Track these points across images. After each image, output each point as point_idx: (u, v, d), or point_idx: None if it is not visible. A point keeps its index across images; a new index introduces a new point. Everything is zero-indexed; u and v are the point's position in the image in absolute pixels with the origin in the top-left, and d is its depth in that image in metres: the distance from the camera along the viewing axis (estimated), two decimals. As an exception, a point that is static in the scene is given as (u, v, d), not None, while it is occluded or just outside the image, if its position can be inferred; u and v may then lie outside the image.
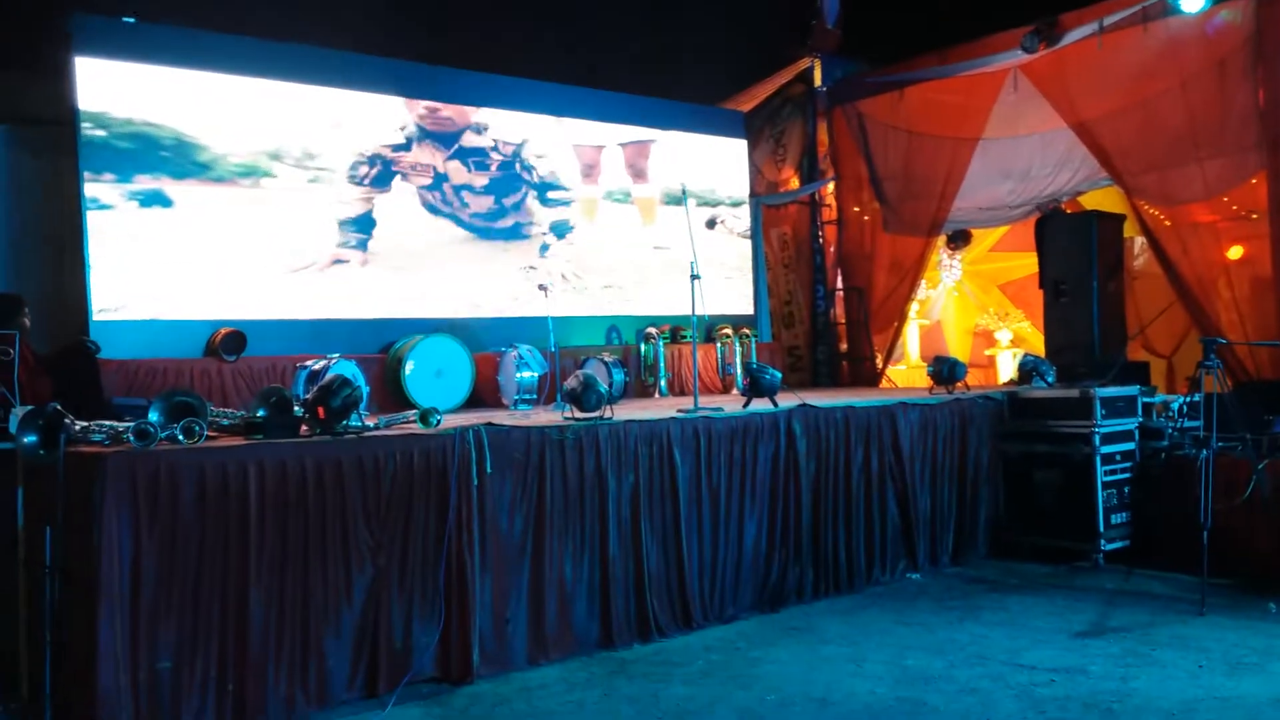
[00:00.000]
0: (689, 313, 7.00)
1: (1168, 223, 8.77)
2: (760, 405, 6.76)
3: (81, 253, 7.30)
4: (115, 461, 4.35)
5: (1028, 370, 8.48)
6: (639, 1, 11.18)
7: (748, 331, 10.21)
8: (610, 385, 7.66)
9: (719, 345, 10.10)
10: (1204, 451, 6.45)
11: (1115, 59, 8.73)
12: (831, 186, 11.73)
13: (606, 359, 8.45)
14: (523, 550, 5.53)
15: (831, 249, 11.80)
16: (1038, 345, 10.04)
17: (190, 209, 7.75)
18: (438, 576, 5.19)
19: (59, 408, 4.52)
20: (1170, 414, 7.82)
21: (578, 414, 5.97)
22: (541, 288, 8.34)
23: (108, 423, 4.85)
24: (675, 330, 9.90)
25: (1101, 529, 7.38)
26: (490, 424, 5.49)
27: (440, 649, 5.20)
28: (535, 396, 7.98)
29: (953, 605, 6.52)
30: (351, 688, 4.94)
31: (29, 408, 4.61)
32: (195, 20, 8.22)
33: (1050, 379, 8.32)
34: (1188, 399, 7.26)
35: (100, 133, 7.43)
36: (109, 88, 7.48)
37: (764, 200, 11.49)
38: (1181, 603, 6.38)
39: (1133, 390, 7.80)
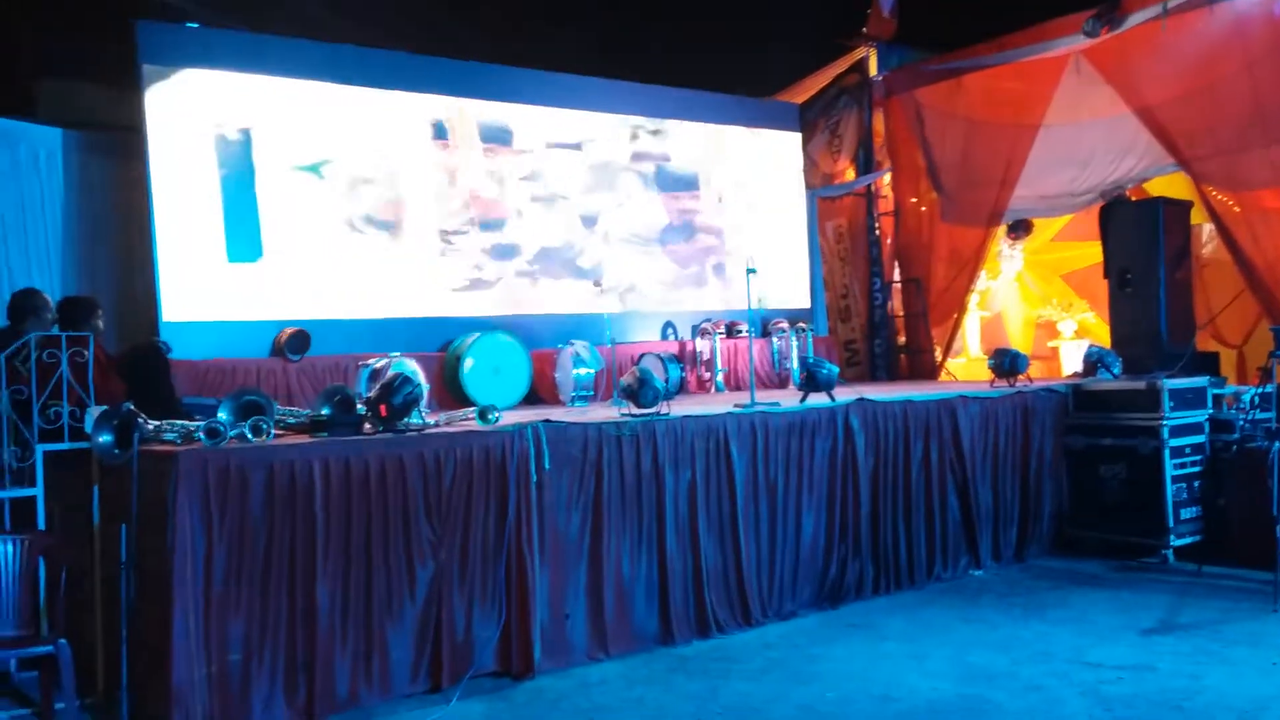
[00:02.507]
0: (744, 307, 6.99)
1: (1236, 209, 8.55)
2: (817, 399, 6.73)
3: (151, 255, 7.48)
4: (187, 460, 4.47)
5: (1093, 362, 8.32)
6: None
7: (804, 325, 10.15)
8: (667, 381, 7.67)
9: (775, 340, 10.06)
10: (1276, 444, 6.28)
11: (1180, 42, 8.52)
12: (888, 177, 11.60)
13: (663, 355, 8.46)
14: (581, 546, 5.57)
15: (888, 241, 11.67)
16: (1102, 336, 9.84)
17: (259, 210, 7.90)
18: (498, 572, 5.25)
19: (133, 408, 4.65)
20: (1241, 405, 7.64)
21: (635, 410, 5.99)
22: (597, 284, 8.38)
23: (179, 422, 4.98)
24: (731, 325, 9.88)
25: (1171, 524, 7.22)
26: (548, 421, 5.54)
27: (501, 643, 5.26)
28: (592, 393, 8.03)
29: (1016, 602, 6.44)
30: (415, 681, 5.02)
31: (104, 408, 4.74)
32: (258, 25, 8.40)
33: (1116, 370, 8.16)
34: (1259, 390, 7.08)
35: (167, 135, 7.60)
36: (176, 92, 7.64)
37: (819, 192, 11.40)
38: (1254, 599, 6.23)
39: (1202, 381, 7.63)
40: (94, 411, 4.78)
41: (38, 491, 4.92)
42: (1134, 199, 9.59)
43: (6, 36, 8.75)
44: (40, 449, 4.92)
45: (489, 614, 5.23)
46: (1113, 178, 9.67)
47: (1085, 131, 9.66)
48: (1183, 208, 8.85)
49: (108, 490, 4.91)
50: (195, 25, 8.13)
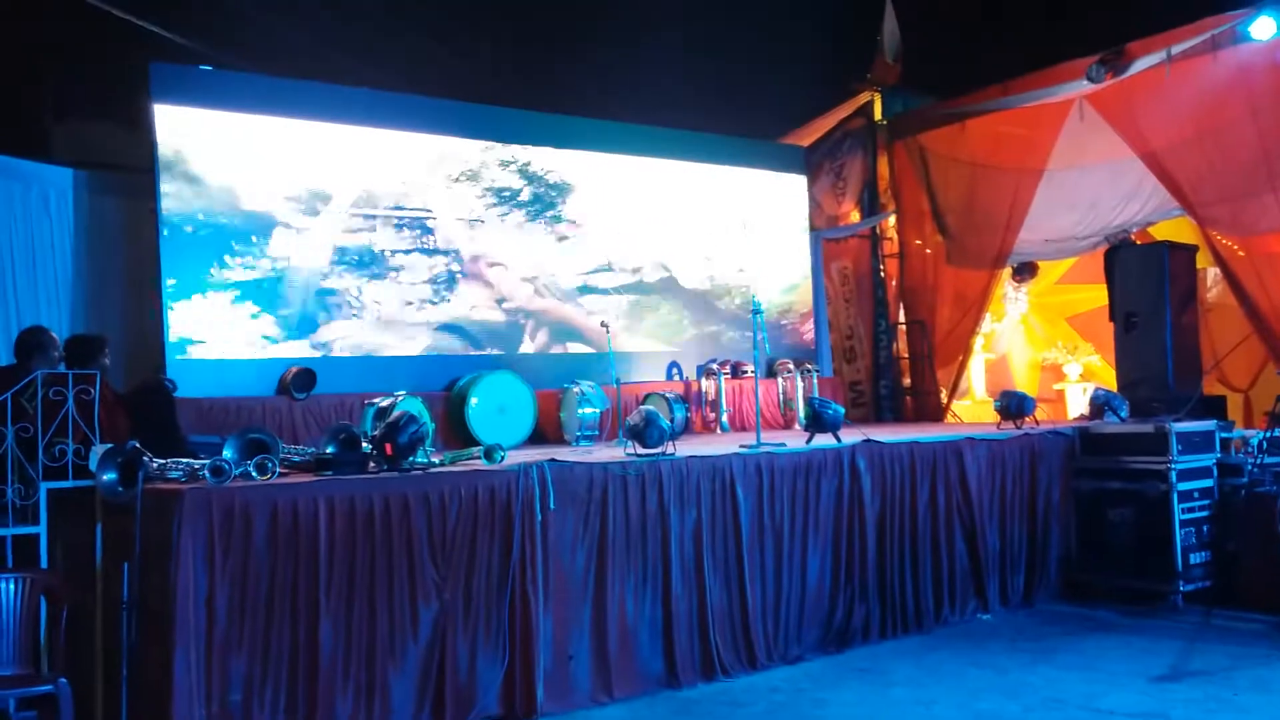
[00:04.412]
0: (750, 348, 7.00)
1: (1242, 253, 8.56)
2: (823, 441, 6.71)
3: (159, 293, 7.52)
4: (191, 498, 4.45)
5: (1099, 405, 8.30)
6: (698, 38, 11.30)
7: (809, 366, 10.15)
8: (672, 421, 7.65)
9: (780, 381, 10.05)
10: (1286, 488, 6.25)
11: (1184, 87, 8.58)
12: (892, 220, 11.65)
13: (668, 395, 8.44)
14: (585, 586, 5.52)
15: (893, 283, 11.70)
16: (1108, 379, 9.82)
17: (266, 250, 7.95)
18: (502, 612, 5.21)
19: (138, 446, 4.64)
20: (1249, 449, 7.60)
21: (640, 450, 5.98)
22: (603, 324, 8.37)
23: (184, 460, 4.97)
24: (736, 365, 9.87)
25: (1180, 569, 7.16)
26: (553, 460, 5.52)
27: (504, 685, 5.21)
28: (597, 432, 8.01)
29: (1025, 647, 6.37)
30: (417, 724, 4.96)
31: (109, 446, 4.74)
32: (270, 67, 8.49)
33: (1123, 414, 8.13)
34: (1267, 434, 7.05)
35: (178, 175, 7.66)
36: (187, 132, 7.71)
37: (824, 234, 11.45)
38: (1264, 645, 6.17)
39: (1210, 425, 7.59)
40: (99, 449, 4.77)
41: (40, 530, 4.90)
42: (1139, 242, 9.61)
43: (23, 78, 8.86)
44: (44, 487, 4.90)
45: (492, 655, 5.18)
46: (1117, 221, 9.70)
47: (1089, 176, 9.71)
48: (1188, 252, 8.86)
49: (111, 529, 4.89)
50: (209, 68, 8.22)
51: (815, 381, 9.96)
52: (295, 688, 4.65)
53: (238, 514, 4.55)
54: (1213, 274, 9.65)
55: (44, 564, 4.90)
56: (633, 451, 5.98)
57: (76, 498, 4.97)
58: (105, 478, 4.63)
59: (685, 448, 6.32)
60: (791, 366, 10.06)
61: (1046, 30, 10.93)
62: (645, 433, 5.98)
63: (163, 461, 4.85)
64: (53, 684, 4.27)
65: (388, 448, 5.24)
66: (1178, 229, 9.46)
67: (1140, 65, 8.76)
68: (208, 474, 4.63)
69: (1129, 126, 9.08)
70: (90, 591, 4.89)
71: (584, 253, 9.61)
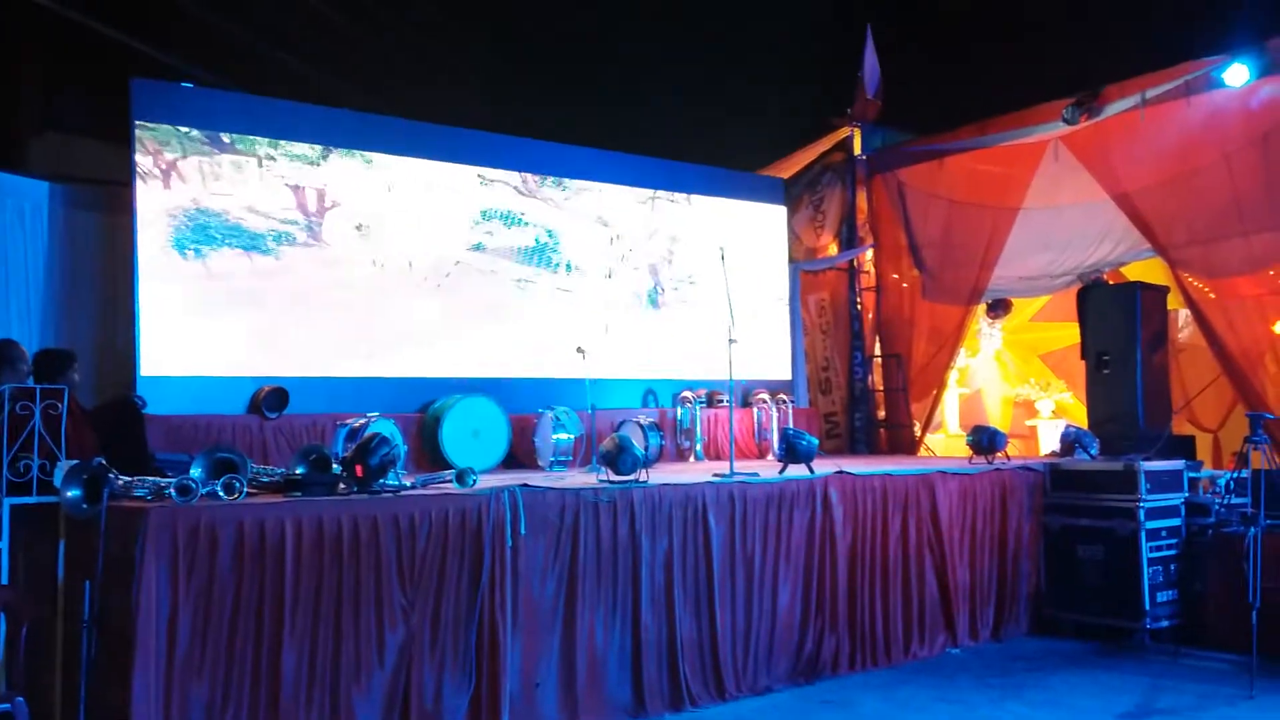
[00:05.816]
0: (725, 377, 7.02)
1: (1212, 295, 8.67)
2: (796, 471, 6.72)
3: (133, 309, 7.46)
4: (156, 517, 4.40)
5: (1070, 442, 8.36)
6: (679, 69, 11.41)
7: (784, 397, 10.18)
8: (646, 448, 7.64)
9: (755, 410, 10.07)
10: (1252, 529, 6.30)
11: (1158, 131, 8.71)
12: (870, 253, 11.74)
13: (642, 422, 8.44)
14: (554, 613, 5.50)
15: (870, 315, 11.77)
16: (1080, 416, 9.90)
17: (242, 267, 7.91)
18: (469, 638, 5.17)
19: (104, 463, 4.59)
20: (1217, 490, 7.67)
21: (613, 476, 5.97)
22: (579, 350, 8.37)
23: (150, 478, 4.91)
24: (711, 394, 9.89)
25: (1147, 607, 7.19)
26: (525, 485, 5.51)
27: (470, 712, 5.16)
28: (571, 458, 8.00)
29: (993, 683, 6.37)
30: (380, 750, 4.90)
31: (74, 462, 4.68)
32: (250, 86, 8.49)
33: (1093, 451, 8.20)
34: (1235, 475, 7.12)
35: (155, 191, 7.62)
36: (166, 148, 7.69)
37: (802, 266, 11.52)
38: (1230, 684, 6.20)
39: (1179, 464, 7.67)
40: (64, 465, 4.71)
41: (2, 545, 4.82)
42: (1111, 283, 9.72)
43: (5, 92, 8.84)
44: (7, 502, 4.83)
45: (459, 682, 5.13)
46: (1090, 261, 9.79)
47: (1064, 216, 9.82)
48: (1160, 293, 8.97)
49: (74, 545, 4.82)
50: (190, 85, 8.21)
51: (790, 412, 9.99)
52: (257, 712, 4.58)
53: (203, 533, 4.50)
54: (1184, 315, 9.76)
55: (4, 580, 4.82)
56: (606, 478, 5.97)
57: (40, 513, 4.90)
58: (70, 494, 4.56)
59: (658, 475, 6.32)
60: (767, 396, 10.09)
61: (1024, 71, 11.09)
62: (618, 460, 5.97)
63: (129, 479, 4.80)
64: (9, 702, 4.18)
65: (358, 469, 5.20)
66: (1150, 270, 9.57)
67: (1115, 108, 8.90)
68: (174, 492, 4.58)
69: (1103, 168, 9.21)
70: (51, 609, 4.82)
71: (558, 277, 9.62)
